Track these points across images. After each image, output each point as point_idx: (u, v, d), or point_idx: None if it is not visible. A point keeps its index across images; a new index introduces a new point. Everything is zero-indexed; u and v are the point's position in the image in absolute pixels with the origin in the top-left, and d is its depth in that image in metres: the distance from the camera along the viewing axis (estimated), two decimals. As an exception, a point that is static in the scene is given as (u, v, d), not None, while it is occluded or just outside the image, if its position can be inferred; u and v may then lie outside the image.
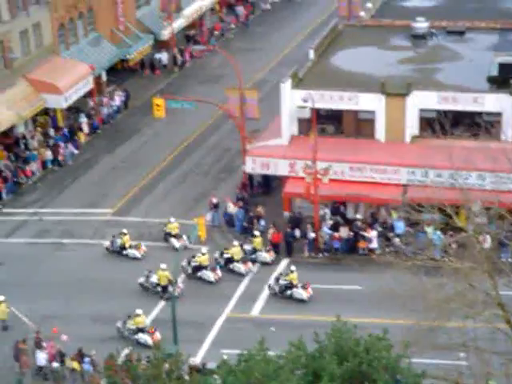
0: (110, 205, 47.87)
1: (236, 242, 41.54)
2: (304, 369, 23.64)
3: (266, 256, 41.78)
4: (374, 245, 41.69)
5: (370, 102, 43.82)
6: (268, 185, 47.98)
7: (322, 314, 35.58)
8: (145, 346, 34.93)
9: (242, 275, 40.77)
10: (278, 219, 44.00)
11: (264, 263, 41.71)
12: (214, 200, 45.49)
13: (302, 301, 38.61)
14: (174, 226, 43.38)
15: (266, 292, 39.62)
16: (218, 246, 43.03)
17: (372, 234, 41.71)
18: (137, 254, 42.43)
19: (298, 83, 45.24)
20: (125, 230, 42.86)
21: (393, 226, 42.27)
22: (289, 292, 38.84)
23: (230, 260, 41.05)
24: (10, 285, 40.08)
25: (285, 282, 39.00)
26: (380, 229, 42.31)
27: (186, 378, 25.51)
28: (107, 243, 43.03)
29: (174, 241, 43.04)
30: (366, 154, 43.42)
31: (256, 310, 38.55)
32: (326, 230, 42.34)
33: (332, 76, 46.71)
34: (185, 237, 42.88)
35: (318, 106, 42.98)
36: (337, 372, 22.98)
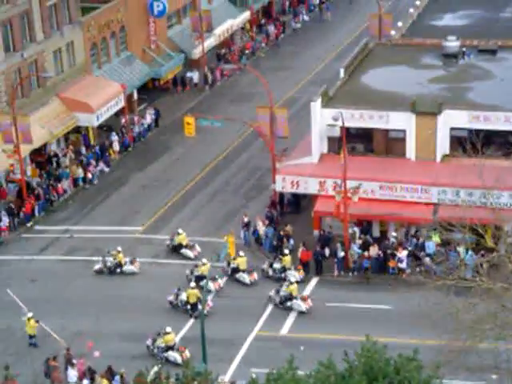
0: (140, 223, 48.11)
1: (242, 253, 41.83)
2: (333, 389, 23.45)
3: (296, 274, 41.71)
4: (404, 264, 41.41)
5: (401, 121, 43.71)
6: (298, 203, 47.95)
7: (351, 334, 35.33)
8: (174, 364, 34.94)
9: (248, 285, 41.22)
10: (308, 238, 43.96)
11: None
12: (246, 219, 45.59)
13: (302, 313, 39.06)
14: (183, 237, 43.93)
15: (295, 310, 39.50)
16: (247, 263, 43.03)
17: (403, 253, 41.45)
18: (134, 269, 42.65)
19: (328, 102, 45.26)
20: (119, 248, 43.01)
21: (423, 245, 41.98)
22: (289, 303, 39.28)
23: (236, 270, 41.40)
24: (42, 301, 40.36)
25: (285, 294, 39.44)
26: (410, 248, 42.06)
27: (215, 396, 25.40)
28: (97, 266, 42.90)
29: (187, 251, 43.54)
30: (396, 172, 43.26)
31: (285, 329, 38.43)
32: (355, 248, 42.18)
33: (362, 95, 46.68)
34: (197, 246, 43.59)
35: (348, 124, 42.94)
36: (367, 392, 22.78)
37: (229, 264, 41.82)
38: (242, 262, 41.60)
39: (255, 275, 41.38)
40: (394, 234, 42.56)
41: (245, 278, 41.24)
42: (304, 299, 39.21)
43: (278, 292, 39.83)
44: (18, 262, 44.73)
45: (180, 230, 44.29)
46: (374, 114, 43.92)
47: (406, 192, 42.64)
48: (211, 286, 40.50)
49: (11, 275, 43.06)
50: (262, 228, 44.89)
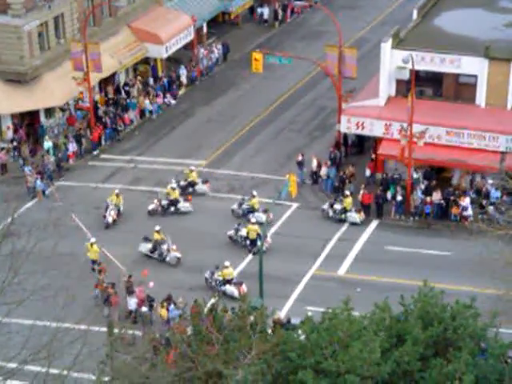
0: (203, 156, 48.42)
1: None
2: (388, 331, 23.61)
3: (356, 216, 41.67)
4: (468, 212, 40.94)
5: (473, 66, 42.73)
6: (361, 145, 47.62)
7: (408, 278, 35.36)
8: (231, 297, 35.45)
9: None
10: (370, 180, 43.72)
11: (353, 223, 41.64)
12: (299, 158, 45.40)
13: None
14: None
15: (353, 252, 39.60)
16: (308, 203, 43.17)
17: (466, 201, 40.96)
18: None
19: (399, 43, 44.45)
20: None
21: (488, 193, 41.39)
22: (250, 215, 40.33)
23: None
24: (105, 229, 41.22)
25: (247, 207, 40.46)
26: (474, 196, 41.52)
27: (270, 331, 25.78)
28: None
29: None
30: (464, 118, 42.51)
31: (342, 270, 38.58)
32: (418, 194, 41.84)
33: (434, 37, 45.66)
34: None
35: (418, 67, 42.19)
36: (421, 336, 22.87)
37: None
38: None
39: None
40: (490, 181, 41.59)
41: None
42: (265, 212, 40.20)
43: (240, 205, 41.29)
44: (83, 188, 45.61)
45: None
46: (445, 57, 43.01)
47: (473, 139, 41.94)
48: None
49: (76, 201, 43.97)
50: (316, 167, 44.62)
